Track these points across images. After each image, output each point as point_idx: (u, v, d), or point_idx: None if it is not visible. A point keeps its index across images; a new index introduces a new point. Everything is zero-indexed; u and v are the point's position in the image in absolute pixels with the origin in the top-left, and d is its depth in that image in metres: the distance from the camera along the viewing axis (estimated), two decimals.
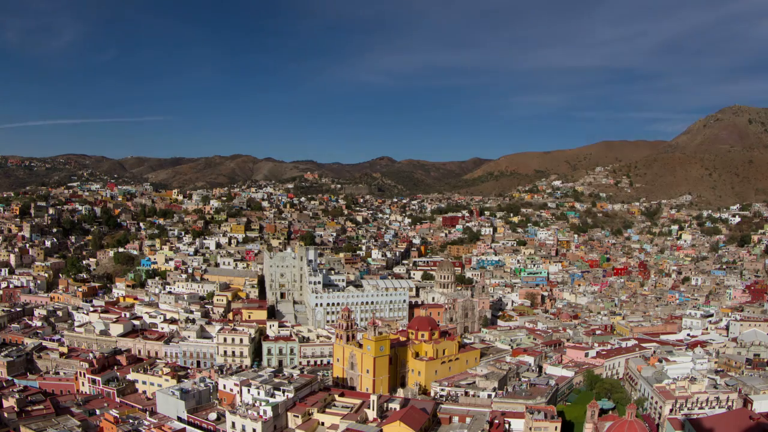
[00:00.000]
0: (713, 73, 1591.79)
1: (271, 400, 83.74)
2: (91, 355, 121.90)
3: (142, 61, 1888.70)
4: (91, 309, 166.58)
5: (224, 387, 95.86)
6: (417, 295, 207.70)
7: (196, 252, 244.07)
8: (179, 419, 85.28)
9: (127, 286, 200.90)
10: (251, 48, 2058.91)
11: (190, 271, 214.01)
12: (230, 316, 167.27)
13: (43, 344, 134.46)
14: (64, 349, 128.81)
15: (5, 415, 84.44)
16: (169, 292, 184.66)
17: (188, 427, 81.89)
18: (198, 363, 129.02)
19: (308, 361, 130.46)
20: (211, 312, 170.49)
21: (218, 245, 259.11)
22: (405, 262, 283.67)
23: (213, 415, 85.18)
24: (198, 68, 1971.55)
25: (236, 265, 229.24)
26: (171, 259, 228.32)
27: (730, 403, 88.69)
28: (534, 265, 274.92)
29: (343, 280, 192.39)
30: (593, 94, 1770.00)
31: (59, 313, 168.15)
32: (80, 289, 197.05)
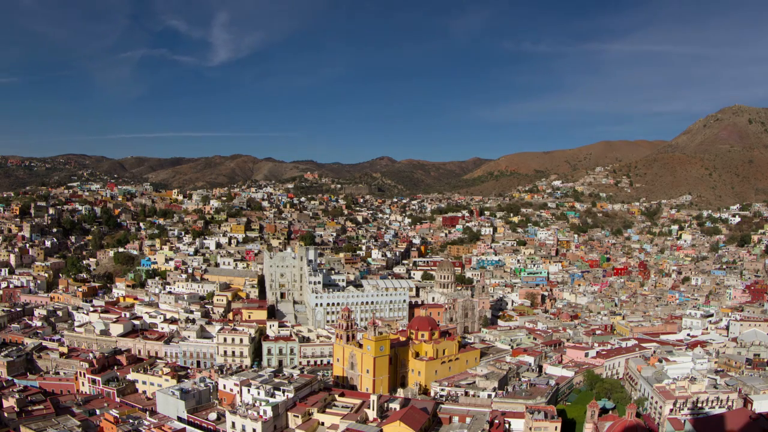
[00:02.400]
0: None
1: (271, 400, 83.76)
2: (91, 355, 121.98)
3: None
4: (91, 309, 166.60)
5: (224, 387, 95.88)
6: (417, 295, 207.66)
7: (196, 252, 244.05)
8: (179, 419, 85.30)
9: (127, 286, 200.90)
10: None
11: (190, 271, 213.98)
12: (230, 316, 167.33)
13: (43, 344, 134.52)
14: (64, 349, 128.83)
15: (5, 415, 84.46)
16: (169, 292, 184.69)
17: (188, 427, 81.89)
18: (198, 363, 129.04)
19: (308, 361, 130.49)
20: (211, 312, 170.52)
21: (218, 245, 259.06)
22: (405, 262, 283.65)
23: (213, 415, 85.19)
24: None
25: (236, 265, 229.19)
26: (171, 259, 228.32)
27: (730, 403, 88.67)
28: (534, 265, 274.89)
29: (343, 280, 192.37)
30: None
31: (59, 313, 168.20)
32: (80, 289, 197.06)
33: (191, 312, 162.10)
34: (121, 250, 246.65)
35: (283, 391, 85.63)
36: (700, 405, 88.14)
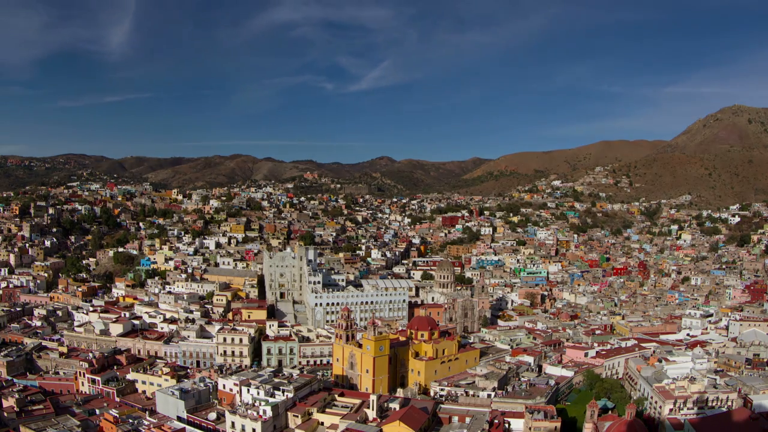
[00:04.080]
0: None
1: (271, 400, 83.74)
2: (90, 354, 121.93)
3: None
4: (91, 309, 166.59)
5: (224, 387, 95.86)
6: (417, 294, 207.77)
7: (195, 252, 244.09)
8: (179, 419, 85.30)
9: (127, 285, 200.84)
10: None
11: (189, 270, 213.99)
12: (230, 315, 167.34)
13: (43, 344, 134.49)
14: (64, 349, 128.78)
15: (5, 414, 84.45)
16: (169, 292, 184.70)
17: (188, 427, 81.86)
18: (198, 363, 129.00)
19: (308, 361, 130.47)
20: (210, 312, 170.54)
21: (218, 245, 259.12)
22: (405, 261, 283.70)
23: (213, 415, 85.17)
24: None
25: (236, 264, 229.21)
26: (171, 259, 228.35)
27: (730, 403, 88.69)
28: (534, 265, 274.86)
29: (342, 280, 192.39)
30: None
31: (59, 312, 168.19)
32: (80, 289, 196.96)
33: (191, 312, 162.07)
34: (120, 250, 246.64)
35: (283, 391, 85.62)
36: (699, 405, 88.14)
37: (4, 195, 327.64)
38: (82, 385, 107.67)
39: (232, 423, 79.16)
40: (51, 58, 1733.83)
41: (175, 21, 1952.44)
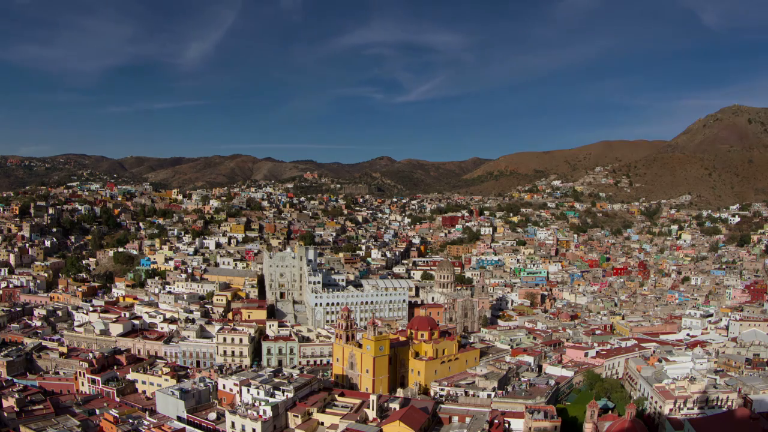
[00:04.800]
0: None
1: (271, 400, 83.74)
2: (90, 354, 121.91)
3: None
4: (91, 309, 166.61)
5: (224, 387, 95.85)
6: (417, 294, 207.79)
7: (195, 252, 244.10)
8: (179, 419, 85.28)
9: (127, 285, 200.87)
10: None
11: (189, 270, 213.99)
12: (230, 315, 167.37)
13: (43, 344, 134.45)
14: (64, 349, 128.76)
15: (5, 415, 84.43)
16: (169, 292, 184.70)
17: (188, 427, 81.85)
18: (198, 363, 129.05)
19: (308, 361, 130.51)
20: (210, 312, 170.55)
21: (218, 245, 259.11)
22: (405, 261, 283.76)
23: (213, 415, 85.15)
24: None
25: (236, 264, 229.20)
26: (171, 259, 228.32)
27: (730, 403, 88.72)
28: (534, 265, 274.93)
29: (342, 280, 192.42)
30: None
31: (59, 312, 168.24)
32: (80, 289, 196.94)
33: (191, 312, 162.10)
34: (120, 249, 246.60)
35: (283, 391, 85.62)
36: (699, 405, 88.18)
37: (4, 195, 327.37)
38: (82, 385, 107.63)
39: (232, 423, 79.14)
40: (121, 68, 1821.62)
41: (257, 38, 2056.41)
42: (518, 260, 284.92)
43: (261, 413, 79.32)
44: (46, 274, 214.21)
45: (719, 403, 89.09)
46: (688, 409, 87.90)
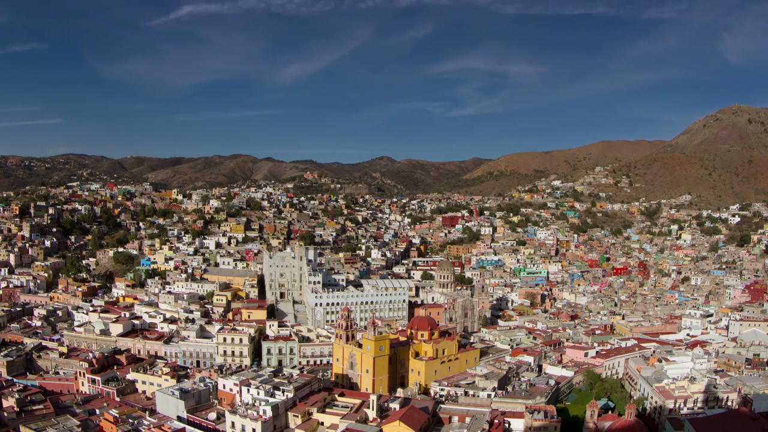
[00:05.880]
0: None
1: (271, 399, 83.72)
2: (90, 354, 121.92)
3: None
4: (91, 309, 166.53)
5: (224, 387, 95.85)
6: (417, 294, 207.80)
7: (195, 252, 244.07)
8: (179, 419, 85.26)
9: (127, 285, 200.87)
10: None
11: (189, 270, 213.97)
12: (230, 315, 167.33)
13: (43, 344, 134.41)
14: (64, 349, 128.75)
15: (5, 415, 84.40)
16: (169, 292, 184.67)
17: (188, 427, 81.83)
18: (198, 363, 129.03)
19: (308, 361, 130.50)
20: (210, 312, 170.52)
21: (218, 245, 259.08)
22: (405, 261, 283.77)
23: (213, 415, 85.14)
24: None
25: (236, 264, 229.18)
26: (171, 259, 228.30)
27: (730, 403, 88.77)
28: (534, 265, 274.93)
29: (342, 280, 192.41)
30: None
31: (59, 312, 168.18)
32: (80, 289, 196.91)
33: (191, 312, 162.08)
34: (120, 249, 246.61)
35: (283, 391, 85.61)
36: (699, 405, 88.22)
37: (4, 195, 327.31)
38: (82, 385, 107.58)
39: (232, 423, 79.13)
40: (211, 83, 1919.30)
41: (357, 65, 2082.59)
42: (518, 260, 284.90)
43: (261, 413, 79.31)
44: (46, 274, 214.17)
45: (719, 403, 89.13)
46: (688, 408, 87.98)
